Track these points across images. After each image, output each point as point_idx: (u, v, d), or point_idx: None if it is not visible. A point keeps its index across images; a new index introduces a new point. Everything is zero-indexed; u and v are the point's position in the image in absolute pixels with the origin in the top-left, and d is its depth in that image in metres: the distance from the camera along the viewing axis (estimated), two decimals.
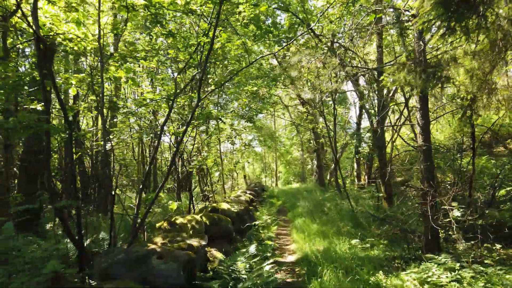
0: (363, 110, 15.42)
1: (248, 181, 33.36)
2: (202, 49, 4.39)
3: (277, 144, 27.27)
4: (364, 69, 7.40)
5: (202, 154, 7.90)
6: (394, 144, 11.93)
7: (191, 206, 6.92)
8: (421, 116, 5.87)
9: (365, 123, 21.56)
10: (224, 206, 6.44)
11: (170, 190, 20.09)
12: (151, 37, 4.75)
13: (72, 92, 4.81)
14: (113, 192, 4.15)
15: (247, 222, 7.57)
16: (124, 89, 10.67)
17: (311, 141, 29.94)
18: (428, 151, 5.83)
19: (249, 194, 12.73)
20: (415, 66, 3.86)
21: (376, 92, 9.32)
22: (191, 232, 4.65)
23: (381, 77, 5.15)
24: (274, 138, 24.73)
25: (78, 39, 5.18)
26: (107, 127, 7.79)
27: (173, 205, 4.55)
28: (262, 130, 20.26)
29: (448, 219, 5.24)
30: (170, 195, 15.93)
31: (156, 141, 10.66)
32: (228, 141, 10.36)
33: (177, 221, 4.78)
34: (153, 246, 3.45)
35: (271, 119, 30.66)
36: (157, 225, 4.57)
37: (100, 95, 3.93)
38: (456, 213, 4.93)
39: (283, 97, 28.54)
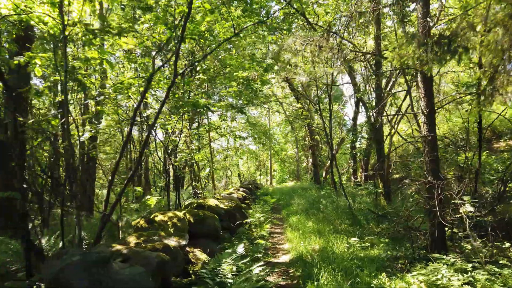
0: (360, 105, 14.97)
1: (243, 179, 32.80)
2: (181, 21, 3.85)
3: (272, 141, 26.77)
4: (363, 54, 6.89)
5: (190, 148, 7.33)
6: (393, 138, 11.46)
7: (178, 202, 6.37)
8: (426, 103, 5.36)
9: (362, 118, 21.10)
10: (212, 202, 5.87)
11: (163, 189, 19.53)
12: (123, 6, 4.21)
13: (37, 73, 4.23)
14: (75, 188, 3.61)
15: (238, 220, 7.03)
16: (111, 79, 10.04)
17: (306, 139, 29.49)
18: (434, 141, 5.33)
19: (242, 191, 12.19)
20: (426, 38, 3.37)
21: (374, 81, 8.83)
22: (172, 230, 4.10)
23: (386, 53, 4.64)
24: (269, 136, 24.23)
25: (54, 22, 4.63)
26: (91, 117, 7.20)
27: (151, 200, 3.99)
28: (256, 127, 19.72)
29: (458, 215, 4.75)
30: (162, 193, 15.36)
31: (145, 135, 10.09)
32: (217, 132, 9.78)
33: (156, 219, 4.23)
34: (119, 247, 2.90)
35: (265, 117, 30.18)
36: (133, 223, 4.01)
37: (64, 73, 3.36)
38: (469, 208, 4.43)
39: (277, 91, 28.04)
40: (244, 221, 6.77)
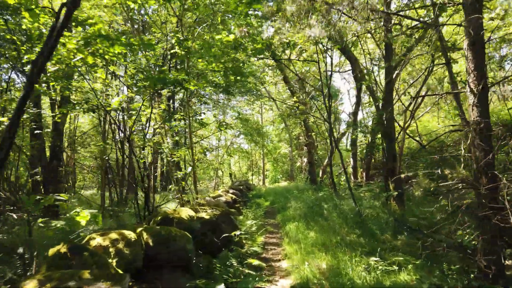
0: (360, 98, 13.60)
1: (234, 179, 31.27)
2: None
3: (265, 140, 25.32)
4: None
5: (166, 141, 5.81)
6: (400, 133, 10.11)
7: (145, 213, 4.85)
8: (476, 79, 3.93)
9: (362, 114, 19.71)
10: (184, 213, 4.31)
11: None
12: None
13: None
14: None
15: (225, 231, 5.52)
16: None
17: (300, 137, 28.09)
18: (487, 129, 3.90)
19: (232, 193, 10.68)
20: None
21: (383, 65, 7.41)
22: (114, 262, 2.60)
23: None
24: (261, 134, 22.77)
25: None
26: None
27: (83, 216, 2.49)
28: (248, 123, 18.21)
29: None
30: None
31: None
32: (199, 123, 8.25)
33: (92, 243, 2.73)
34: None
35: (258, 114, 28.75)
36: (50, 252, 2.49)
37: None
38: None
39: (270, 89, 26.61)
40: (233, 234, 5.25)
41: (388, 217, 7.15)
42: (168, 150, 5.77)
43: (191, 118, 7.98)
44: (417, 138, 11.05)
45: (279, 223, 9.42)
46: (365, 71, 9.79)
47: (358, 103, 12.90)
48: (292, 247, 6.40)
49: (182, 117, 6.01)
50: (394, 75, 7.91)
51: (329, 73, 11.62)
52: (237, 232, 5.20)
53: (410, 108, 8.77)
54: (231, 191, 10.85)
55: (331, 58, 10.89)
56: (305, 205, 10.05)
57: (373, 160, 14.39)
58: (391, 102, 8.00)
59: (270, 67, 18.59)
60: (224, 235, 5.10)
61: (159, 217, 4.04)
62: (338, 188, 12.52)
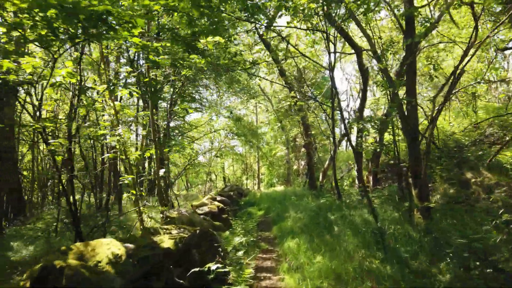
0: (366, 92, 11.94)
1: (228, 183, 29.47)
2: None
3: (260, 142, 23.61)
4: None
5: (118, 132, 4.11)
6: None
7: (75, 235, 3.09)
8: None
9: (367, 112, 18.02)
10: (103, 252, 2.48)
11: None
12: None
13: None
14: None
15: (200, 259, 3.78)
16: None
17: (297, 139, 26.41)
18: None
19: (220, 201, 8.93)
20: None
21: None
22: None
23: None
24: (256, 136, 21.08)
25: None
26: None
27: None
28: (241, 122, 16.48)
29: None
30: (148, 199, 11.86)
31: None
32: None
33: None
34: None
35: (253, 115, 27.13)
36: None
37: None
38: None
39: (265, 87, 24.97)
40: (206, 267, 3.50)
41: (418, 235, 5.43)
42: (120, 145, 4.04)
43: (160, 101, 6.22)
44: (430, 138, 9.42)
45: (276, 238, 7.67)
46: (370, 56, 8.13)
47: (364, 98, 11.25)
48: (293, 278, 4.66)
49: (136, 90, 4.27)
50: (416, 54, 6.25)
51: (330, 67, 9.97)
52: (213, 267, 3.45)
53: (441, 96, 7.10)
54: (218, 198, 9.09)
55: (334, 44, 9.23)
56: (306, 214, 8.31)
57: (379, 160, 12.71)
58: (413, 88, 6.32)
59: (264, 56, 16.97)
60: (193, 270, 3.34)
61: (38, 266, 2.26)
62: (343, 194, 10.81)
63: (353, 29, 12.93)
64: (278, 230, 7.93)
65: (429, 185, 10.45)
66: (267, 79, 18.26)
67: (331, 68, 10.08)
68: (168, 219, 4.66)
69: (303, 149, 24.78)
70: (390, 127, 9.04)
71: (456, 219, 6.40)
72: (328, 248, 5.63)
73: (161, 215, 4.72)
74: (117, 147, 4.29)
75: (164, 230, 3.66)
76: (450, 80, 6.52)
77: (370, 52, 11.29)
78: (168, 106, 15.36)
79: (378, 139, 11.69)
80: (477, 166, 9.47)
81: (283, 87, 24.32)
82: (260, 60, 8.71)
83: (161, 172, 5.63)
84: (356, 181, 12.13)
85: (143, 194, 10.23)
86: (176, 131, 19.90)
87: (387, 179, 12.79)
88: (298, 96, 12.96)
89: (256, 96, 18.54)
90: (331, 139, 10.54)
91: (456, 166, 10.06)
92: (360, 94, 11.47)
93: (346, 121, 13.88)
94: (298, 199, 12.40)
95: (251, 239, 6.65)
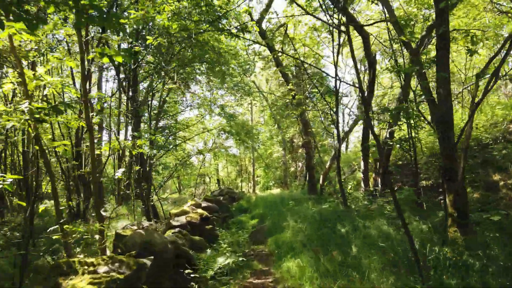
0: (374, 83, 10.53)
1: (222, 186, 27.91)
2: None
3: (255, 142, 22.13)
4: None
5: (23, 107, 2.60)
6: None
7: None
8: None
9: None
10: None
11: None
12: None
13: None
14: None
15: None
16: None
17: (294, 140, 24.97)
18: None
19: (205, 208, 7.43)
20: None
21: None
22: None
23: None
24: (251, 135, 19.60)
25: None
26: None
27: None
28: (234, 119, 14.98)
29: None
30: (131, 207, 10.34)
31: None
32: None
33: None
34: None
35: (248, 115, 25.71)
36: None
37: None
38: None
39: (260, 84, 23.54)
40: None
41: (462, 257, 3.96)
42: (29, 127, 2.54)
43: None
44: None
45: (271, 254, 6.17)
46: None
47: (372, 89, 9.84)
48: None
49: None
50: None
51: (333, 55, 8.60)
52: None
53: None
54: (204, 204, 7.57)
55: (339, 26, 7.82)
56: (307, 224, 6.81)
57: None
58: (446, 62, 4.87)
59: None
60: None
61: None
62: (348, 199, 9.35)
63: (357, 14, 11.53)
64: (274, 244, 6.42)
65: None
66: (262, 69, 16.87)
67: (335, 54, 8.67)
68: (117, 241, 3.17)
69: (300, 150, 23.34)
70: (404, 119, 7.62)
71: (501, 233, 4.96)
72: (341, 272, 4.15)
73: (98, 236, 3.21)
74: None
75: (84, 268, 2.19)
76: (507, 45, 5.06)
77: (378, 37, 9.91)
78: (159, 103, 13.91)
79: (387, 135, 10.28)
80: (505, 166, 8.09)
81: (279, 85, 22.94)
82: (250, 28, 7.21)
83: (119, 173, 4.14)
84: (362, 184, 10.67)
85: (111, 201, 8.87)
86: (167, 131, 18.41)
87: (396, 182, 11.36)
88: (296, 90, 11.52)
89: (251, 93, 17.08)
90: (335, 134, 9.09)
91: (480, 166, 8.66)
92: (367, 86, 10.05)
93: (353, 115, 12.39)
94: (297, 204, 10.92)
95: (240, 258, 5.14)
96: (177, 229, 4.98)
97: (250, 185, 27.66)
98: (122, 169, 4.55)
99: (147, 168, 9.72)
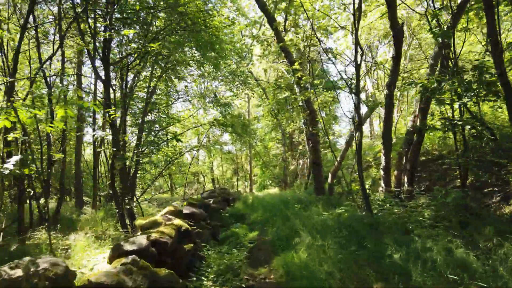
0: (401, 53, 8.50)
1: (217, 185, 25.80)
2: None
3: (252, 139, 20.09)
4: None
5: None
6: None
7: None
8: None
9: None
10: None
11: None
12: None
13: None
14: None
15: None
16: None
17: (294, 136, 22.96)
18: None
19: (187, 216, 5.38)
20: None
21: None
22: None
23: None
24: (247, 129, 17.55)
25: None
26: None
27: None
28: (228, 108, 12.92)
29: None
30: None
31: None
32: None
33: None
34: None
35: (244, 101, 23.69)
36: None
37: None
38: None
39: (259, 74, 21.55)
40: None
41: None
42: None
43: None
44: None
45: (279, 285, 4.13)
46: None
47: (397, 65, 7.83)
48: None
49: None
50: None
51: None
52: None
53: None
54: (187, 211, 5.50)
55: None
56: (330, 239, 4.77)
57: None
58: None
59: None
60: None
61: None
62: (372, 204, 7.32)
63: None
64: (283, 269, 4.38)
65: (488, 189, 7.05)
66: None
67: (356, 30, 6.63)
68: None
69: (300, 147, 21.33)
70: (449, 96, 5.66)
71: None
72: None
73: None
74: None
75: None
76: None
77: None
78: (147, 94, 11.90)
79: (414, 120, 8.28)
80: None
81: (279, 78, 20.87)
82: None
83: (10, 163, 2.14)
84: (382, 183, 8.65)
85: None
86: (157, 126, 16.34)
87: (421, 181, 9.36)
88: (302, 71, 9.48)
89: (248, 82, 15.02)
90: (356, 117, 7.07)
91: None
92: (392, 64, 8.04)
93: (370, 97, 10.38)
94: (304, 207, 8.92)
95: None
96: (130, 258, 2.93)
97: (247, 184, 25.58)
98: (17, 157, 2.54)
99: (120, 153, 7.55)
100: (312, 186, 12.34)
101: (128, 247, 3.24)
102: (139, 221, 4.57)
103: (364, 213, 6.62)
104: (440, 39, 6.31)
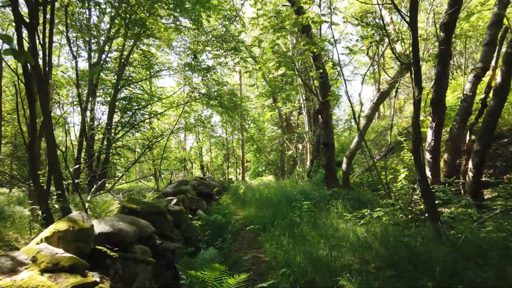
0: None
1: (207, 172, 22.99)
2: None
3: (245, 120, 17.21)
4: None
5: None
6: None
7: None
8: None
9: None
10: None
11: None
12: None
13: None
14: None
15: None
16: None
17: (291, 118, 20.10)
18: None
19: (102, 240, 2.43)
20: None
21: None
22: None
23: None
24: (240, 111, 14.66)
25: None
26: None
27: None
28: (211, 75, 9.97)
29: None
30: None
31: None
32: None
33: None
34: None
35: (234, 72, 20.69)
36: None
37: None
38: None
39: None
40: None
41: None
42: None
43: None
44: None
45: None
46: None
47: (416, 42, 4.99)
48: None
49: None
50: None
51: None
52: None
53: None
54: (104, 228, 2.59)
55: None
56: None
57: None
58: None
59: None
60: None
61: None
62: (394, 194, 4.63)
63: None
64: None
65: None
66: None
67: None
68: None
69: (299, 129, 18.62)
70: None
71: None
72: None
73: None
74: None
75: None
76: None
77: None
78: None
79: (473, 81, 5.54)
80: None
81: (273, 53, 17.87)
82: None
83: None
84: (428, 173, 5.88)
85: None
86: (134, 103, 13.31)
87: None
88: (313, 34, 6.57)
89: (239, 49, 11.98)
90: (412, 54, 4.21)
91: None
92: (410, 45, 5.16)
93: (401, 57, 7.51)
94: (315, 205, 6.19)
95: None
96: None
97: (239, 172, 22.78)
98: None
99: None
100: (317, 175, 9.62)
101: None
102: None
103: (426, 226, 3.89)
104: None
